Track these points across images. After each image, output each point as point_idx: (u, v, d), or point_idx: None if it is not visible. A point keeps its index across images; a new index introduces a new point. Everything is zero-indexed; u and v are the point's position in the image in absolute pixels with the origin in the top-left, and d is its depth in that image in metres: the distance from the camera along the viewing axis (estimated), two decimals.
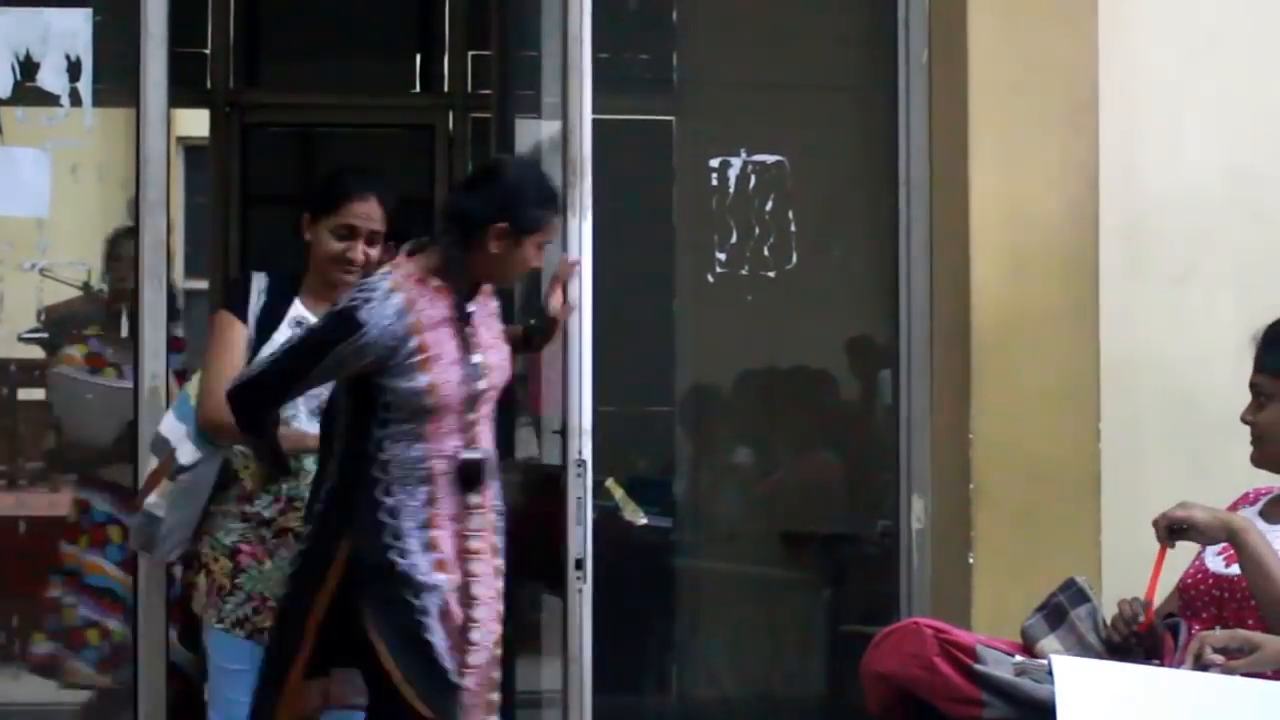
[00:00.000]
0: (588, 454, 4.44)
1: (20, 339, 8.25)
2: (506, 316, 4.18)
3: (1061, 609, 3.58)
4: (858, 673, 3.47)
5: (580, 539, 4.42)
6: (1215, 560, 3.54)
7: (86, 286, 8.39)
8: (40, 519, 7.12)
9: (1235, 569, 3.48)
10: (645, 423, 6.40)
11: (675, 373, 5.83)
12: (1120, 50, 5.03)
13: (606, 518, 6.24)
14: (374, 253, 4.34)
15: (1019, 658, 3.42)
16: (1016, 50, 4.99)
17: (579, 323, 4.51)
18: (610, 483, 6.24)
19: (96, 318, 8.57)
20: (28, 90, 4.87)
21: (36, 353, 8.46)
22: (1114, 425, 4.90)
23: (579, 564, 4.42)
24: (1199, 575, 3.56)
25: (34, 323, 8.30)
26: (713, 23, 5.87)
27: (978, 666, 3.29)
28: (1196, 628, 3.51)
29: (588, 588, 4.42)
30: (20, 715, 6.39)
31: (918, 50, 5.20)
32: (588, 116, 4.49)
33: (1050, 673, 3.28)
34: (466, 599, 3.94)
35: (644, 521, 6.21)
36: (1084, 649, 3.49)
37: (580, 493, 4.44)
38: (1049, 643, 3.55)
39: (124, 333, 7.67)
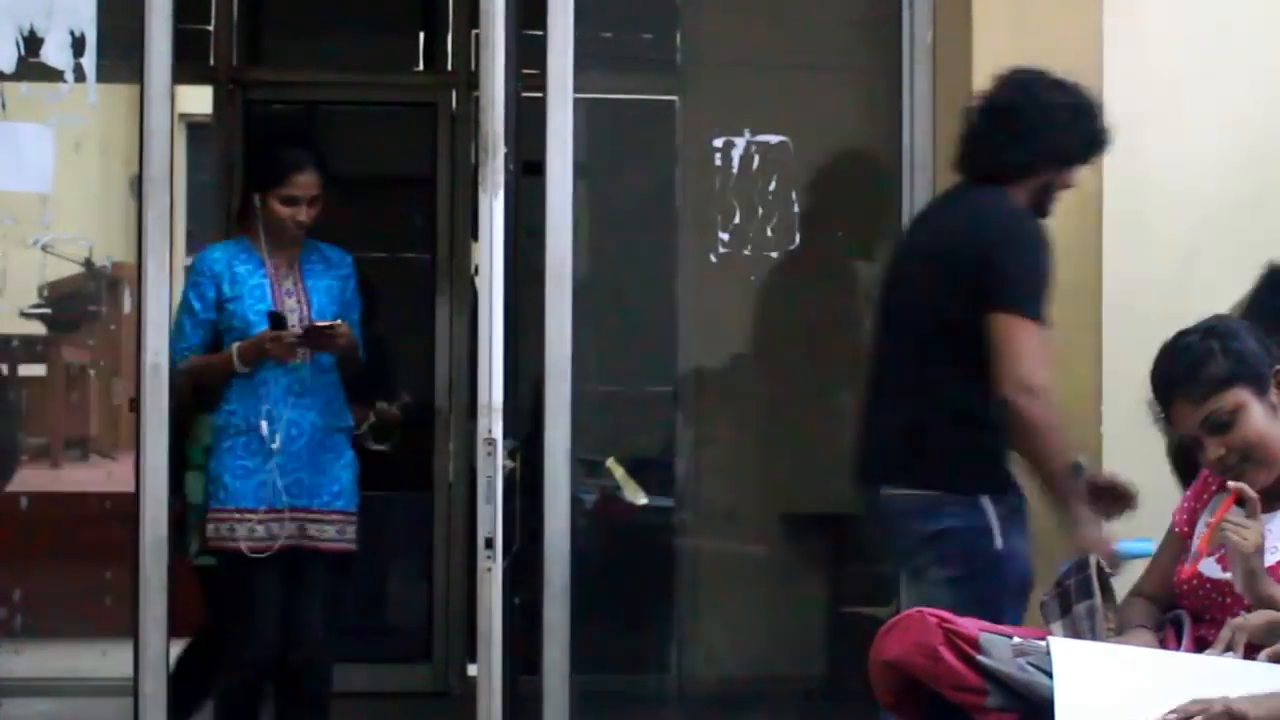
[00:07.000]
0: (498, 432, 4.25)
1: (22, 314, 8.25)
2: None
3: (1067, 598, 3.61)
4: (858, 654, 3.49)
5: (490, 518, 4.24)
6: (1211, 566, 3.54)
7: (88, 263, 8.40)
8: (41, 494, 7.14)
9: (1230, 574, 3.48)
10: (647, 403, 6.40)
11: (678, 352, 5.82)
12: (1125, 34, 5.02)
13: (607, 498, 6.25)
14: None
15: (1017, 639, 3.43)
16: (1021, 32, 4.98)
17: (489, 301, 4.31)
18: (611, 462, 6.24)
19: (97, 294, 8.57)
20: (31, 65, 4.87)
21: (39, 328, 8.48)
22: (1116, 409, 4.89)
23: (489, 543, 4.24)
24: (1195, 580, 3.55)
25: (36, 299, 8.31)
26: (716, 2, 5.87)
27: (980, 657, 3.31)
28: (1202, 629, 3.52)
29: (498, 567, 4.26)
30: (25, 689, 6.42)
31: (922, 31, 5.20)
32: (500, 93, 4.34)
33: (1049, 654, 3.30)
34: None
35: (644, 502, 6.21)
36: None
37: (490, 471, 4.24)
38: (1056, 628, 3.58)
39: (126, 309, 7.67)
